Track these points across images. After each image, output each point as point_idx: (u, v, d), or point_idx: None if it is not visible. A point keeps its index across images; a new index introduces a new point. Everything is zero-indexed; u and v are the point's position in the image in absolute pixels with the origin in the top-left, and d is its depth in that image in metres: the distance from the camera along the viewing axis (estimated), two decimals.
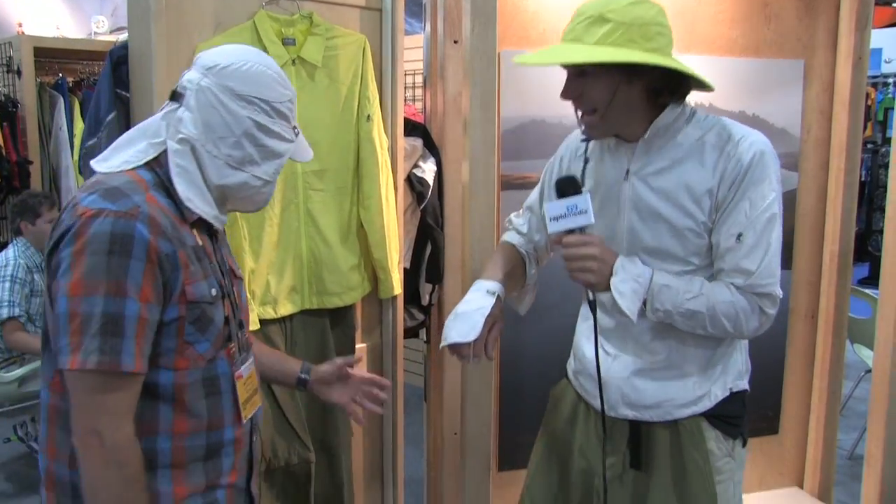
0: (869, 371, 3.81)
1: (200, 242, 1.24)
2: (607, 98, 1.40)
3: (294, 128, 1.29)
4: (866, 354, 3.75)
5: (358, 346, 2.17)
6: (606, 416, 1.56)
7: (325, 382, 1.55)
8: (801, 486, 2.89)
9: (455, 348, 1.48)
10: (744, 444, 1.57)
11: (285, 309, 1.93)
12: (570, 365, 1.71)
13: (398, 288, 2.19)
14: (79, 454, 1.13)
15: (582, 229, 1.40)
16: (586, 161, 1.56)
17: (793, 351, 2.78)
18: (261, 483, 1.87)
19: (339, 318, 2.09)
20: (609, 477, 1.59)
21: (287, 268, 1.93)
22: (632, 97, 1.41)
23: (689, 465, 1.51)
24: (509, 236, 1.75)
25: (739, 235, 1.41)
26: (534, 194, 1.76)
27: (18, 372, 3.57)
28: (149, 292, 1.12)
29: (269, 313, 1.89)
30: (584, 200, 1.39)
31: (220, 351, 1.25)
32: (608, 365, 1.55)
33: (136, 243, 1.10)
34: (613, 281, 1.41)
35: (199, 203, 1.22)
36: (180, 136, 1.20)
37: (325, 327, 2.05)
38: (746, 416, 1.57)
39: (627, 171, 1.49)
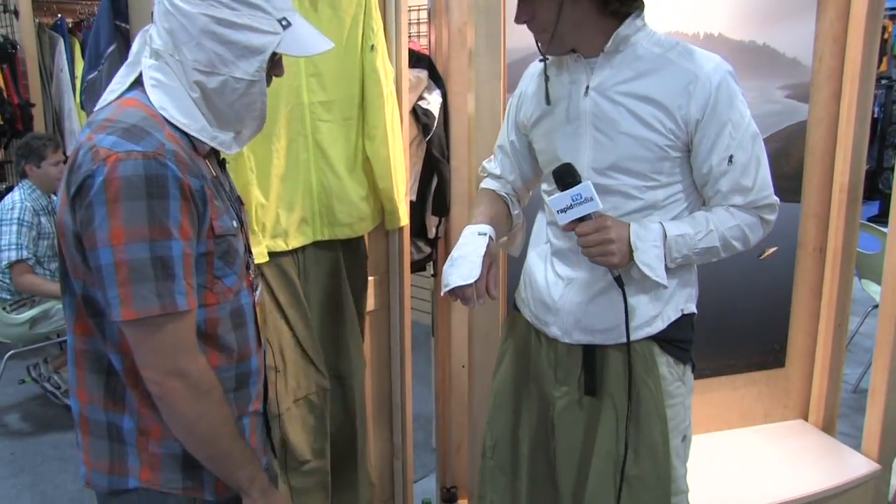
0: (876, 306, 3.83)
1: (215, 173, 1.24)
2: (554, 17, 1.43)
3: (282, 20, 1.16)
4: (874, 290, 3.76)
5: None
6: (560, 343, 1.60)
7: None
8: (805, 418, 2.93)
9: (458, 292, 1.49)
10: (693, 370, 1.63)
11: (296, 241, 1.93)
12: (521, 293, 1.71)
13: (404, 219, 2.19)
14: (164, 401, 1.13)
15: (590, 216, 1.43)
16: (547, 79, 1.56)
17: (800, 285, 2.78)
18: (282, 417, 1.91)
19: (352, 249, 2.10)
20: (564, 404, 1.63)
21: (297, 200, 1.93)
22: (579, 12, 1.44)
23: (641, 389, 1.54)
24: (485, 183, 1.76)
25: (731, 157, 1.45)
26: (501, 134, 1.75)
27: (29, 313, 3.62)
28: (188, 229, 1.11)
29: (281, 246, 1.90)
30: (586, 188, 1.41)
31: (243, 282, 1.25)
32: (561, 290, 1.57)
33: (171, 183, 1.08)
34: (638, 256, 1.44)
35: (176, 114, 1.15)
36: (151, 49, 1.17)
37: (337, 259, 2.06)
38: (695, 340, 1.62)
39: (587, 87, 1.49)
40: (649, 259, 1.45)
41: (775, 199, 1.53)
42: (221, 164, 1.31)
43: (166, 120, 1.14)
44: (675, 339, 1.56)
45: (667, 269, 1.48)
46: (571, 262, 1.56)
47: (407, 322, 2.28)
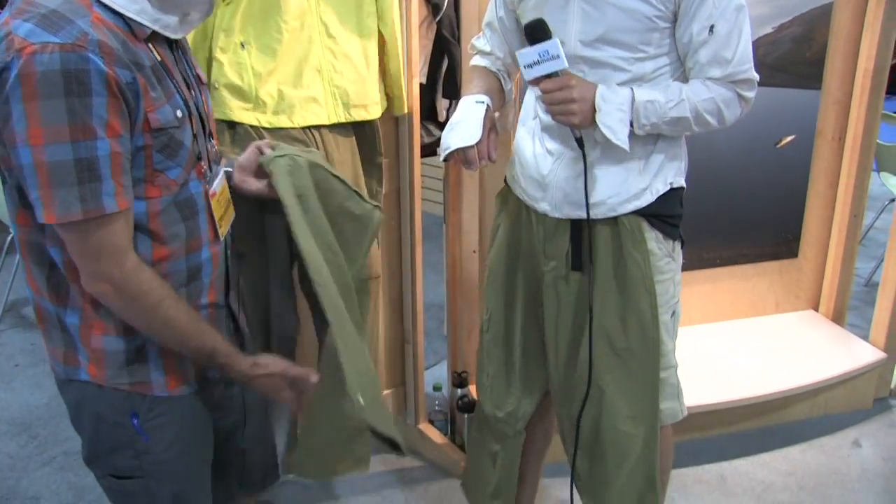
0: (893, 200, 3.81)
1: (159, 58, 1.14)
2: None
3: None
4: (893, 183, 3.72)
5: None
6: (549, 218, 1.62)
7: (244, 169, 1.44)
8: (816, 309, 2.96)
9: (459, 154, 1.52)
10: (682, 246, 1.65)
11: (304, 118, 1.91)
12: (511, 170, 1.72)
13: (414, 102, 2.16)
14: (101, 300, 1.12)
15: (556, 73, 1.43)
16: None
17: (816, 174, 2.76)
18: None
19: (366, 136, 2.07)
20: (551, 279, 1.66)
21: (303, 78, 1.89)
22: None
23: (629, 263, 1.56)
24: (475, 60, 1.75)
25: (712, 27, 1.43)
26: (489, 10, 1.72)
27: None
28: (116, 125, 1.04)
29: (284, 122, 1.87)
30: (554, 45, 1.41)
31: (192, 171, 1.20)
32: (550, 165, 1.58)
33: (93, 77, 1.00)
34: (599, 118, 1.44)
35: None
36: None
37: (353, 145, 2.04)
38: (683, 215, 1.62)
39: None
40: (611, 122, 1.44)
41: (754, 74, 1.50)
42: (173, 44, 1.21)
43: (98, 1, 1.06)
44: (664, 214, 1.57)
45: (633, 135, 1.48)
46: (559, 136, 1.57)
47: (417, 207, 2.28)
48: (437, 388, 2.62)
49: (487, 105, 1.56)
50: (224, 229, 1.30)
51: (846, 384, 2.67)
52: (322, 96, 1.93)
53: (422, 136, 2.31)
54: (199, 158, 1.22)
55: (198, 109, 1.24)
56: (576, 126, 1.47)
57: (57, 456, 2.63)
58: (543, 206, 1.61)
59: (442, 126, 2.36)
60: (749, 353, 2.68)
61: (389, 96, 2.14)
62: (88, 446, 1.28)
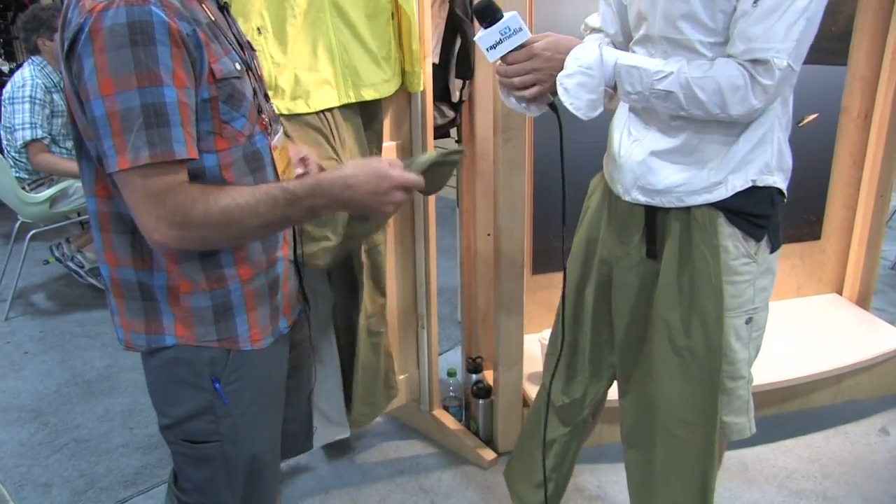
0: None
1: (213, 17, 1.21)
2: None
3: None
4: None
5: (386, 144, 2.17)
6: (623, 202, 1.58)
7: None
8: (840, 293, 2.93)
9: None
10: (772, 250, 1.54)
11: (319, 103, 1.91)
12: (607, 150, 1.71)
13: (427, 82, 2.14)
14: (165, 245, 1.14)
15: (522, 46, 1.42)
16: None
17: (841, 155, 2.72)
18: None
19: (370, 114, 2.07)
20: (623, 265, 1.63)
21: (317, 61, 1.89)
22: None
23: (696, 258, 1.51)
24: (586, 39, 1.68)
25: (756, 0, 1.30)
26: None
27: (48, 192, 3.65)
28: (182, 76, 1.09)
29: (302, 107, 1.87)
30: (514, 19, 1.40)
31: (255, 125, 1.26)
32: (628, 148, 1.55)
33: (157, 28, 1.06)
34: (559, 76, 1.39)
35: None
36: None
37: (358, 125, 2.04)
38: (777, 218, 1.52)
39: None
40: (569, 83, 1.39)
41: (782, 60, 1.31)
42: (223, 8, 1.29)
43: None
44: (745, 212, 1.48)
45: (706, 123, 1.42)
46: (644, 119, 1.53)
47: None
48: (451, 374, 2.63)
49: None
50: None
51: (872, 370, 2.64)
52: (333, 77, 1.92)
53: (435, 117, 2.29)
54: (259, 112, 1.27)
55: (252, 70, 1.30)
56: (543, 94, 1.45)
57: (68, 443, 2.66)
58: (618, 189, 1.58)
59: (455, 107, 2.35)
60: (771, 337, 2.64)
61: (406, 73, 2.12)
62: (168, 413, 1.32)
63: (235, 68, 1.20)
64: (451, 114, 2.37)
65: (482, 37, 1.42)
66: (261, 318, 1.32)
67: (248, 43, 1.36)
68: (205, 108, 1.15)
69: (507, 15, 1.41)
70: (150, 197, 1.09)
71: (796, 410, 2.63)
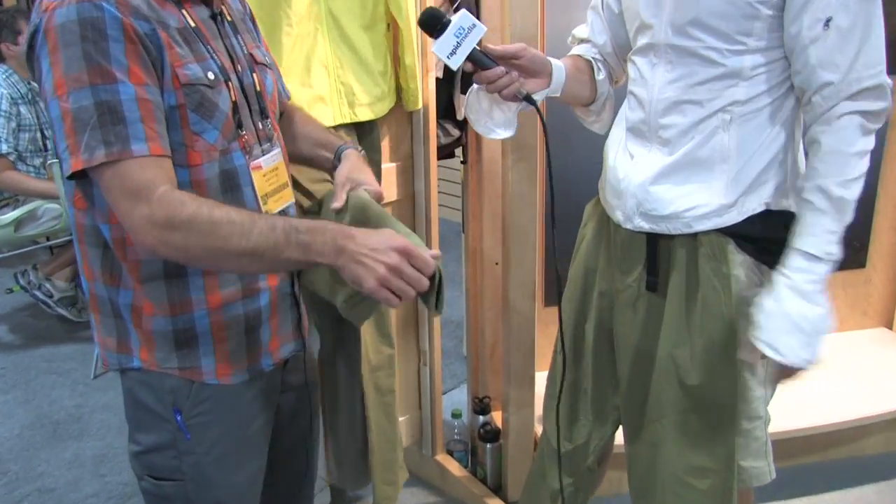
0: None
1: (193, 24, 1.29)
2: None
3: None
4: None
5: (385, 165, 2.24)
6: (624, 230, 1.64)
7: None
8: (889, 326, 2.95)
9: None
10: None
11: None
12: (602, 175, 1.77)
13: (430, 99, 2.25)
14: (158, 251, 1.20)
15: (480, 43, 1.50)
16: None
17: (888, 172, 2.75)
18: None
19: (365, 134, 2.16)
20: (624, 299, 1.68)
21: (311, 75, 1.98)
22: None
23: (706, 289, 1.55)
24: (573, 50, 1.80)
25: (828, 21, 1.36)
26: None
27: (13, 214, 3.74)
28: (139, 72, 1.17)
29: None
30: (465, 17, 1.47)
31: (233, 142, 1.32)
32: (627, 170, 1.61)
33: (109, 23, 1.14)
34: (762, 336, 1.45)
35: None
36: None
37: (355, 143, 2.11)
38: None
39: None
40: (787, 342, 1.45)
41: (885, 79, 1.38)
42: (216, 16, 1.36)
43: None
44: (758, 238, 1.53)
45: (717, 142, 1.50)
46: (643, 136, 1.59)
47: (433, 214, 2.34)
48: (456, 415, 2.69)
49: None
50: (272, 207, 1.41)
51: None
52: (328, 94, 2.01)
53: (438, 136, 2.37)
54: (239, 127, 1.33)
55: (241, 84, 1.37)
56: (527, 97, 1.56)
57: (30, 494, 2.69)
58: (617, 215, 1.64)
59: (460, 125, 2.43)
60: (811, 375, 2.65)
61: (402, 90, 2.22)
62: (137, 440, 1.39)
63: (206, 77, 1.27)
64: (455, 132, 2.45)
65: (438, 47, 1.49)
66: (232, 351, 1.37)
67: (252, 56, 1.44)
68: (173, 116, 1.22)
69: (455, 17, 1.48)
70: (130, 194, 1.17)
71: (843, 458, 2.61)
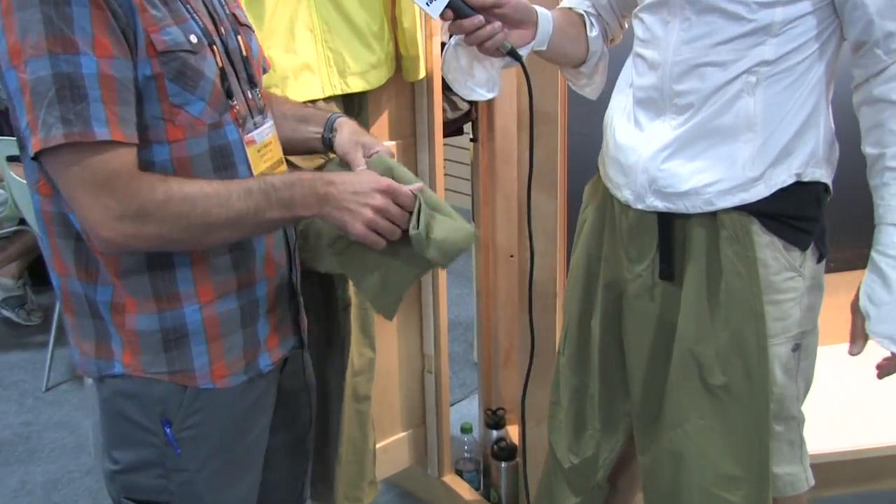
0: None
1: None
2: None
3: None
4: None
5: (386, 143, 2.23)
6: (632, 211, 1.64)
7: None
8: None
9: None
10: (819, 259, 1.60)
11: (299, 93, 1.99)
12: (602, 151, 1.77)
13: (435, 67, 2.24)
14: (113, 244, 1.22)
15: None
16: None
17: None
18: None
19: (352, 109, 2.16)
20: (635, 289, 1.69)
21: (295, 41, 1.97)
22: None
23: (729, 275, 1.55)
24: (563, 2, 1.81)
25: None
26: None
27: None
28: (106, 43, 1.16)
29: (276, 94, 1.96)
30: None
31: (225, 114, 1.32)
32: (635, 142, 1.61)
33: None
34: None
35: None
36: None
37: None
38: (824, 221, 1.58)
39: None
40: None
41: None
42: None
43: None
44: (786, 215, 1.55)
45: (740, 106, 1.50)
46: (655, 104, 1.59)
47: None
48: (465, 430, 2.70)
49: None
50: None
51: None
52: (315, 62, 2.01)
53: (445, 111, 2.37)
54: (229, 97, 1.34)
55: (226, 48, 1.37)
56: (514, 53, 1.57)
57: None
58: (625, 194, 1.64)
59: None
60: (877, 386, 2.59)
61: (401, 58, 2.21)
62: (114, 457, 1.40)
63: (189, 41, 1.26)
64: (464, 105, 2.45)
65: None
66: (228, 349, 1.38)
67: (234, 16, 1.44)
68: (149, 87, 1.22)
69: None
70: (92, 185, 1.17)
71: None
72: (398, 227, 1.36)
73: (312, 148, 1.64)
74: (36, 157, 1.18)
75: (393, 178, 1.44)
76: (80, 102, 1.14)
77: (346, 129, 1.58)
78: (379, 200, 1.32)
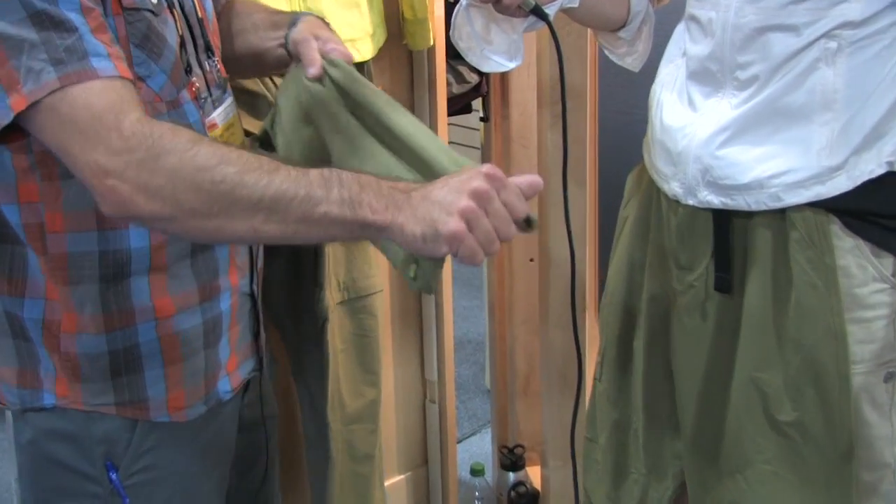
0: None
1: None
2: None
3: None
4: None
5: None
6: (682, 208, 1.62)
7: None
8: None
9: None
10: None
11: None
12: (647, 135, 1.76)
13: (438, 33, 2.24)
14: (120, 202, 1.14)
15: None
16: None
17: None
18: None
19: None
20: (686, 303, 1.66)
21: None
22: None
23: (801, 287, 1.53)
24: None
25: None
26: None
27: None
28: None
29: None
30: None
31: (182, 90, 1.31)
32: (687, 124, 1.59)
33: None
34: None
35: None
36: None
37: None
38: None
39: None
40: None
41: None
42: None
43: None
44: (875, 213, 1.52)
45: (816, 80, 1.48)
46: (711, 78, 1.57)
47: None
48: (476, 472, 2.68)
49: None
50: None
51: None
52: None
53: (449, 83, 2.36)
54: (188, 71, 1.33)
55: (184, 11, 1.35)
56: None
57: None
58: (674, 187, 1.62)
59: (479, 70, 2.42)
60: None
61: (404, 21, 2.21)
62: None
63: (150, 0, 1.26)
64: (473, 78, 2.44)
65: None
66: (187, 375, 1.36)
67: None
68: None
69: None
70: (89, 126, 1.12)
71: None
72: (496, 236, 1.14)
73: (278, 59, 1.54)
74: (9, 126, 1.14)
75: (358, 95, 1.36)
76: (69, 37, 1.12)
77: (303, 24, 1.50)
78: (483, 187, 1.11)
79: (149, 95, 1.24)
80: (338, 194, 1.13)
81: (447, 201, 1.10)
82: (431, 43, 2.22)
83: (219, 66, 1.44)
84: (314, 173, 1.14)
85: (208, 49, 1.41)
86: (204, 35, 1.40)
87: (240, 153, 1.14)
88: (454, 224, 1.09)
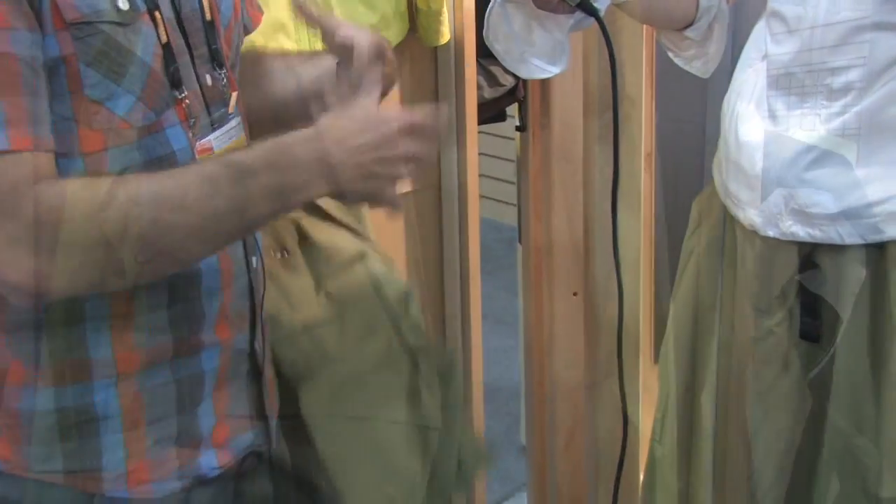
0: None
1: None
2: None
3: None
4: None
5: None
6: (761, 240, 1.62)
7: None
8: None
9: None
10: None
11: None
12: (718, 153, 1.77)
13: (466, 28, 2.23)
14: (23, 292, 1.16)
15: None
16: None
17: None
18: None
19: None
20: (766, 351, 1.66)
21: None
22: None
23: None
24: None
25: None
26: None
27: None
28: (2, 8, 1.12)
29: None
30: None
31: (166, 111, 1.28)
32: (768, 138, 1.59)
33: None
34: None
35: None
36: None
37: None
38: None
39: None
40: None
41: None
42: None
43: None
44: None
45: None
46: (798, 86, 1.57)
47: (472, 212, 2.31)
48: None
49: None
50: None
51: None
52: (291, 20, 2.01)
53: (480, 87, 2.37)
54: (176, 86, 1.29)
55: (178, 13, 1.32)
56: None
57: None
58: (751, 216, 1.63)
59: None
60: None
61: (418, 12, 2.22)
62: None
63: (115, 6, 1.22)
64: (508, 80, 2.44)
65: None
66: (154, 442, 1.33)
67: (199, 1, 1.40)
68: (56, 73, 1.18)
69: None
70: None
71: None
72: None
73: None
74: None
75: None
76: None
77: None
78: (415, 147, 1.25)
79: (109, 120, 1.22)
80: (260, 191, 1.21)
81: (384, 158, 1.23)
82: (446, 39, 2.23)
83: (228, 76, 1.41)
84: (224, 178, 1.20)
85: (214, 59, 1.38)
86: (210, 40, 1.37)
87: (153, 191, 1.17)
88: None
